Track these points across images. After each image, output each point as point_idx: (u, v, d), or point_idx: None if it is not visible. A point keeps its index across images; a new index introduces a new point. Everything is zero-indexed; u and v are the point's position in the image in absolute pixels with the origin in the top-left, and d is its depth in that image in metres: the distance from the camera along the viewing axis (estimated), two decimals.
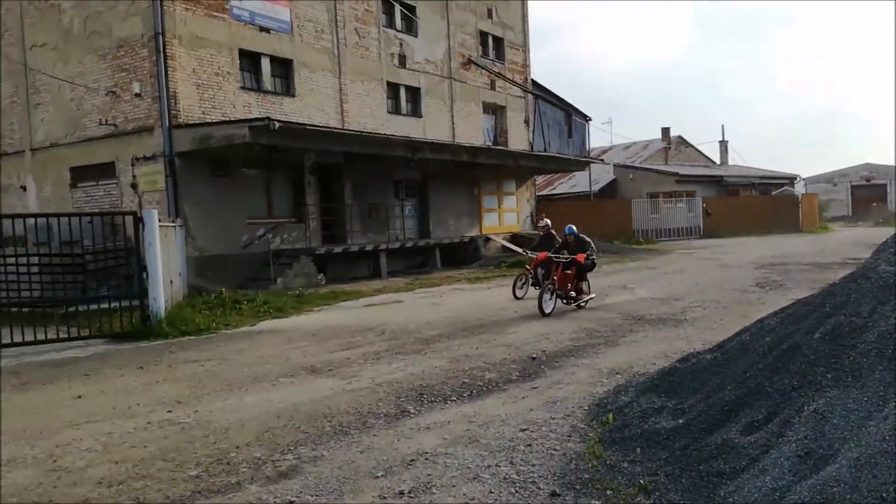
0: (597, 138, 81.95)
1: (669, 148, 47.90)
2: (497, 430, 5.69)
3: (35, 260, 14.05)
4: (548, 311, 11.72)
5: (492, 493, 4.46)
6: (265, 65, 19.35)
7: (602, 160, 39.88)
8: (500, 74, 29.21)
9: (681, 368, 6.08)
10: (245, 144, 16.04)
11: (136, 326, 11.50)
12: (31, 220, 14.83)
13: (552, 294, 11.99)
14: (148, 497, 4.59)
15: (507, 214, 29.61)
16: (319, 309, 14.33)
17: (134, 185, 17.26)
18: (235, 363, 9.07)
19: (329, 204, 21.20)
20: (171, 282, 13.24)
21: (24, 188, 19.82)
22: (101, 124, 17.69)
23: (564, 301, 12.27)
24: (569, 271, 12.28)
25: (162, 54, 16.69)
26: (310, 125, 18.37)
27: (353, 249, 20.30)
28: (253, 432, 5.89)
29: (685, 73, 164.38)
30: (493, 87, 29.00)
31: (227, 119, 17.32)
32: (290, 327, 12.04)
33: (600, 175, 41.63)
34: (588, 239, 12.76)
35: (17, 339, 10.50)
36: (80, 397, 7.55)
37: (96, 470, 5.16)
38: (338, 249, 19.78)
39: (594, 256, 12.67)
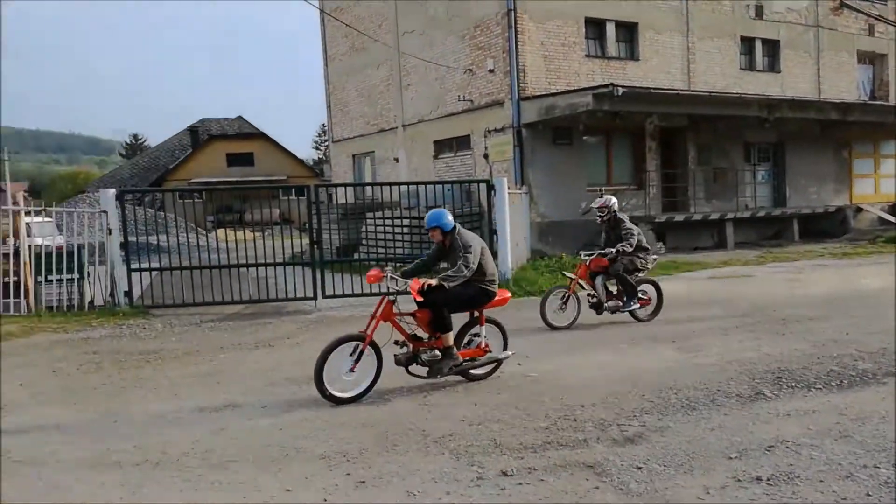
0: None
1: None
2: (875, 428, 4.94)
3: (406, 222, 16.10)
4: (337, 395, 5.96)
5: (869, 495, 3.91)
6: (610, 30, 19.25)
7: None
8: (882, 17, 24.79)
9: None
10: (587, 112, 16.22)
11: None
12: (403, 188, 17.01)
13: (402, 354, 6.31)
14: (503, 440, 4.97)
15: (885, 181, 25.23)
16: (659, 279, 13.94)
17: (486, 156, 18.66)
18: (578, 325, 9.31)
19: (671, 170, 20.39)
20: (517, 245, 14.08)
21: (396, 160, 22.77)
22: (459, 100, 19.40)
23: (413, 366, 6.33)
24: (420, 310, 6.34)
25: (513, 30, 17.60)
26: (654, 89, 17.87)
27: (695, 218, 19.29)
28: (598, 394, 6.00)
29: None
30: (870, 33, 24.76)
31: (571, 88, 17.64)
32: None
33: None
34: (473, 242, 6.39)
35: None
36: None
37: (459, 409, 5.76)
38: (679, 218, 18.99)
39: (465, 273, 6.21)
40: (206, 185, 35.62)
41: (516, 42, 17.64)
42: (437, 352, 6.30)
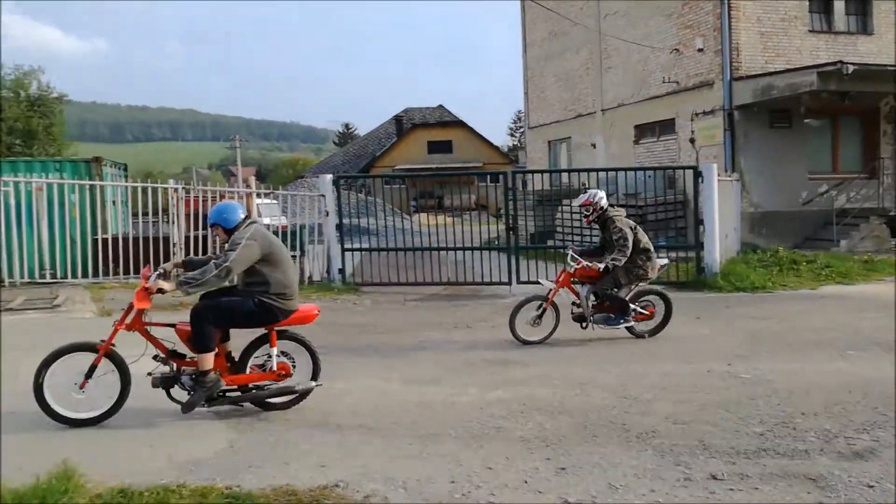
0: None
1: None
2: None
3: None
4: (63, 414, 5.09)
5: None
6: (838, 3, 17.39)
7: None
8: None
9: None
10: (810, 93, 14.81)
11: (691, 277, 11.93)
12: (601, 174, 16.63)
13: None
14: (712, 442, 4.71)
15: None
16: (893, 279, 12.44)
17: (692, 140, 17.70)
18: (796, 326, 8.61)
19: None
20: (726, 236, 13.25)
21: (593, 145, 22.31)
22: (663, 82, 18.54)
23: (175, 388, 5.27)
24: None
25: (726, 6, 16.47)
26: (890, 66, 15.86)
27: None
28: (820, 402, 5.49)
29: None
30: None
31: (792, 67, 16.16)
32: (858, 295, 10.80)
33: None
34: (247, 241, 5.35)
35: None
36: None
37: (661, 405, 5.55)
38: None
39: (212, 274, 5.09)
40: (409, 172, 37.55)
41: (729, 18, 16.52)
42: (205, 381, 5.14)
